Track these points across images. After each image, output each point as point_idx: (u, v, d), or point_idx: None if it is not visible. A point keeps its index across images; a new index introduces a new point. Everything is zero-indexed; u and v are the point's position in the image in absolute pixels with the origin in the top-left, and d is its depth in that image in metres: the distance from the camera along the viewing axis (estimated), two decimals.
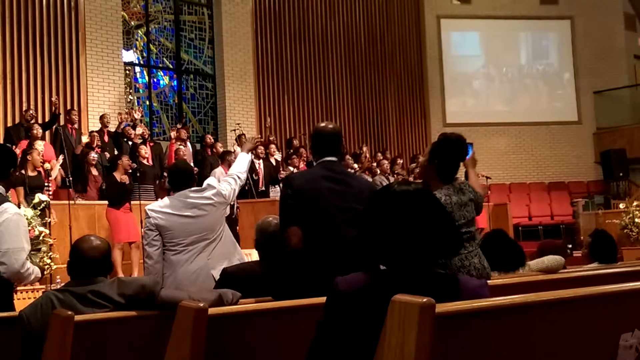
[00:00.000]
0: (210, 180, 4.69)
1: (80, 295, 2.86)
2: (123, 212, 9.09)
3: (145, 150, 10.60)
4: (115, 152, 10.87)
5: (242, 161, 4.89)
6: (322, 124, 3.76)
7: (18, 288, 3.73)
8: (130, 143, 11.04)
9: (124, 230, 8.87)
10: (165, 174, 10.91)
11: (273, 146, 12.52)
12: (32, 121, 10.39)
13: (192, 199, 4.45)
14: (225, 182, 4.73)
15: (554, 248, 4.92)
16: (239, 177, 4.74)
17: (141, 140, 11.08)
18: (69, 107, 11.61)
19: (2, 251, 3.40)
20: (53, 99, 11.15)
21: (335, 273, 1.98)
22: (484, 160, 15.24)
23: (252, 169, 10.40)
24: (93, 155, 10.15)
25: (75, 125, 11.11)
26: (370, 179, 10.83)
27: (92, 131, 11.09)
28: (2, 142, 9.61)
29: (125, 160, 9.52)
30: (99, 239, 3.10)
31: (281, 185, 9.77)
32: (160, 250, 4.40)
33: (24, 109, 11.01)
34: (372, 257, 1.92)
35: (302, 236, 3.36)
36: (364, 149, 14.57)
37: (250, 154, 5.05)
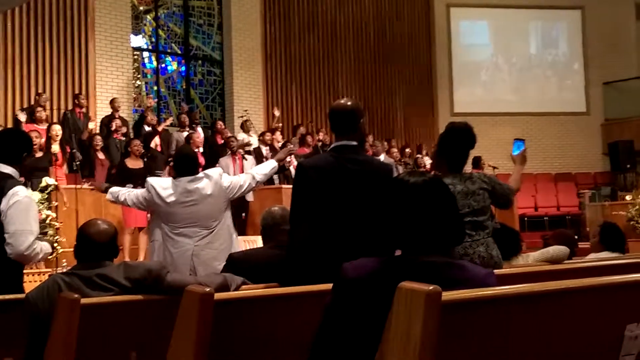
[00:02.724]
0: (211, 171, 4.76)
1: (86, 279, 2.88)
2: None
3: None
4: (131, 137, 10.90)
5: (267, 166, 5.04)
6: (338, 101, 3.61)
7: (25, 271, 3.74)
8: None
9: (133, 215, 8.88)
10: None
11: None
12: (46, 104, 10.44)
13: (190, 185, 4.59)
14: (238, 176, 4.93)
15: (565, 238, 4.90)
16: (254, 178, 4.88)
17: (151, 128, 11.09)
18: (77, 92, 11.63)
19: (10, 233, 3.42)
20: None
21: (342, 262, 1.98)
22: (492, 150, 15.21)
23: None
24: (98, 139, 10.17)
25: (84, 110, 11.13)
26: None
27: (110, 116, 11.10)
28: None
29: (134, 145, 9.50)
30: (106, 222, 3.12)
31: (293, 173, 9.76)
32: (130, 200, 4.72)
33: (37, 92, 10.95)
34: (382, 245, 1.94)
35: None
36: (370, 138, 14.48)
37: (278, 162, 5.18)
